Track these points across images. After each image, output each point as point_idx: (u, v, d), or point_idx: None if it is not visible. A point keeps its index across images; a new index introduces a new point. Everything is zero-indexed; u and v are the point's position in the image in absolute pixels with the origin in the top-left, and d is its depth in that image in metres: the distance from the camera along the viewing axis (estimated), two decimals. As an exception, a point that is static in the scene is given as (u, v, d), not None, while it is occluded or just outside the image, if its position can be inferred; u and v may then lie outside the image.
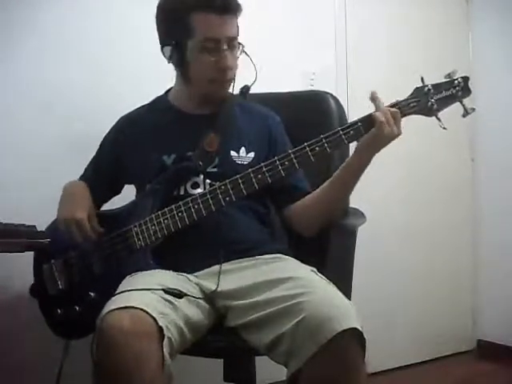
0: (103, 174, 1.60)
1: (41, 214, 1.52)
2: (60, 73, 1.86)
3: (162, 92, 1.63)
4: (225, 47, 1.41)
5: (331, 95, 1.76)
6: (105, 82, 1.91)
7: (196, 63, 1.43)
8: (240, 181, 1.36)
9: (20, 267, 1.60)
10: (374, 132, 1.33)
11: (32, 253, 1.50)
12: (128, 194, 1.61)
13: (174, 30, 1.43)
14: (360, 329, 1.14)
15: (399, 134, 1.35)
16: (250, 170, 1.36)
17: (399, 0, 2.58)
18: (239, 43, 1.45)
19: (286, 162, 1.35)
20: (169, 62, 1.50)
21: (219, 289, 1.35)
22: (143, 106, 1.63)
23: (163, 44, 1.46)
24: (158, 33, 1.48)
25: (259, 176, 1.35)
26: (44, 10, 1.84)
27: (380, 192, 2.45)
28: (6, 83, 1.79)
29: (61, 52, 1.86)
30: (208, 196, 1.37)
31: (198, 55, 1.42)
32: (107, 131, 1.63)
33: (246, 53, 1.46)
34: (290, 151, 1.36)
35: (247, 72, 1.47)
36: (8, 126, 1.79)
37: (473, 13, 2.76)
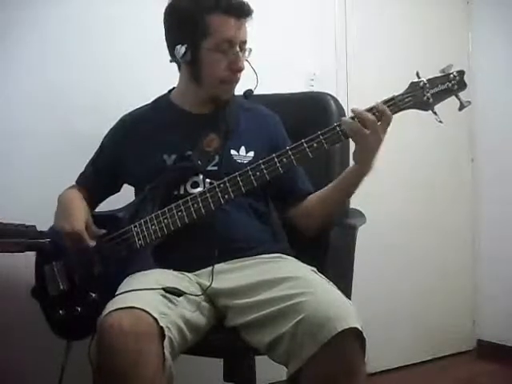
0: (103, 172, 1.60)
1: (41, 214, 1.52)
2: (61, 72, 1.86)
3: (163, 92, 1.63)
4: (237, 49, 1.44)
5: (331, 96, 1.76)
6: (106, 81, 1.92)
7: (209, 63, 1.45)
8: (239, 178, 1.37)
9: (20, 267, 1.60)
10: (357, 146, 1.35)
11: (33, 253, 1.50)
12: (127, 193, 1.62)
13: (189, 29, 1.44)
14: (360, 328, 1.15)
15: (381, 140, 1.34)
16: (248, 167, 1.37)
17: (399, 0, 2.59)
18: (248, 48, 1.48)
19: (284, 159, 1.36)
20: (172, 61, 1.51)
21: (220, 287, 1.35)
22: (145, 106, 1.63)
23: (175, 43, 1.47)
24: (169, 31, 1.49)
25: (258, 173, 1.36)
26: (45, 10, 1.84)
27: (380, 192, 2.45)
28: (6, 83, 1.80)
29: (62, 51, 1.86)
30: (207, 194, 1.38)
31: (213, 55, 1.44)
32: (108, 130, 1.62)
33: (247, 61, 1.48)
34: (287, 148, 1.36)
35: (244, 74, 1.49)
36: (8, 125, 1.79)
37: (473, 13, 2.76)
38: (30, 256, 1.50)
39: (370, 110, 1.33)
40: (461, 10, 2.76)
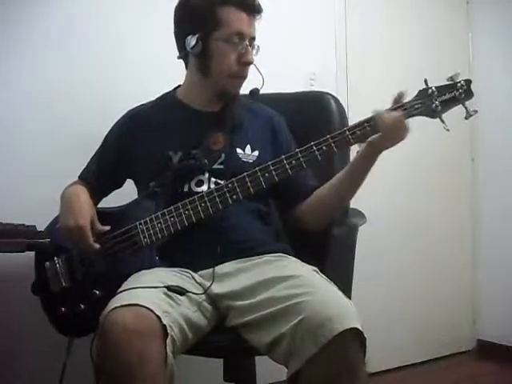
0: (107, 167, 1.60)
1: (41, 214, 1.52)
2: (61, 72, 1.86)
3: (165, 91, 1.62)
4: (247, 43, 1.46)
5: (332, 95, 1.76)
6: (107, 81, 1.91)
7: (219, 55, 1.46)
8: (247, 179, 1.37)
9: (20, 267, 1.60)
10: (381, 134, 1.34)
11: (32, 252, 1.50)
12: (127, 190, 1.62)
13: (201, 20, 1.45)
14: (360, 329, 1.15)
15: (406, 135, 1.36)
16: (257, 168, 1.37)
17: (399, 0, 2.58)
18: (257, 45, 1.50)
19: (294, 161, 1.36)
20: (180, 57, 1.51)
21: (222, 290, 1.35)
22: (150, 102, 1.62)
23: (186, 34, 1.47)
24: (180, 25, 1.50)
25: (266, 175, 1.36)
26: (46, 9, 1.84)
27: (380, 192, 2.45)
28: (7, 83, 1.79)
29: (62, 51, 1.86)
30: (215, 194, 1.38)
31: (223, 47, 1.45)
32: (113, 125, 1.62)
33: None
34: (297, 150, 1.36)
35: (249, 74, 1.49)
36: (9, 125, 1.79)
37: (473, 14, 2.76)
38: (30, 256, 1.50)
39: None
40: (461, 11, 2.77)
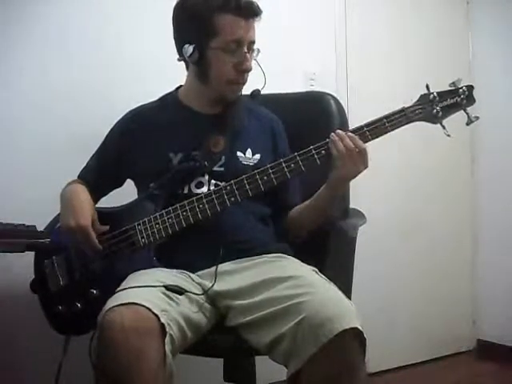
0: (107, 166, 1.59)
1: (41, 214, 1.51)
2: (61, 72, 1.86)
3: (164, 92, 1.62)
4: (245, 50, 1.44)
5: (331, 96, 1.76)
6: (107, 81, 1.91)
7: (217, 63, 1.44)
8: (245, 181, 1.37)
9: (20, 267, 1.60)
10: (336, 171, 1.36)
11: (32, 252, 1.50)
12: (127, 190, 1.62)
13: (197, 28, 1.43)
14: (360, 328, 1.15)
15: (365, 167, 1.35)
16: (255, 171, 1.37)
17: (399, 0, 2.59)
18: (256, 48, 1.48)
19: (292, 165, 1.36)
20: (180, 60, 1.51)
21: (221, 289, 1.35)
22: (152, 102, 1.62)
23: (183, 42, 1.46)
24: (178, 30, 1.49)
25: (265, 177, 1.36)
26: (46, 8, 1.84)
27: (380, 192, 2.45)
28: (7, 83, 1.79)
29: (63, 51, 1.86)
30: (213, 196, 1.38)
31: (220, 55, 1.43)
32: (114, 124, 1.61)
33: (255, 60, 1.48)
34: (295, 154, 1.36)
35: (251, 74, 1.49)
36: (9, 125, 1.79)
37: (473, 14, 2.76)
38: (30, 256, 1.50)
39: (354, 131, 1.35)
40: (461, 11, 2.76)
